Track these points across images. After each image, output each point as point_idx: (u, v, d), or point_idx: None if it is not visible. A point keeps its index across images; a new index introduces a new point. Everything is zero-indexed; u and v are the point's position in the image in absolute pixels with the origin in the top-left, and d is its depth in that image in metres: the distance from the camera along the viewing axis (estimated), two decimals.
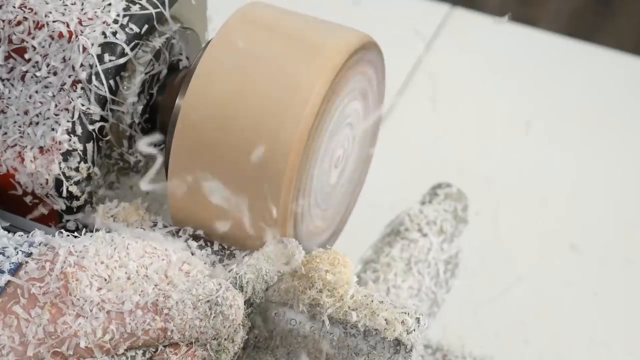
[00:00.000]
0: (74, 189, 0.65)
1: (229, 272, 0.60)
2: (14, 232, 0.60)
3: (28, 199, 0.66)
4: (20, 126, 0.65)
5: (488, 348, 0.98)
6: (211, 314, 0.57)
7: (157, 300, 0.57)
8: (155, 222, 0.65)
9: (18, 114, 0.65)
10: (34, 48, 0.65)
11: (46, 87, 0.65)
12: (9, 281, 0.57)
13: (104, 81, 0.64)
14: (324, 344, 0.61)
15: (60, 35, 0.64)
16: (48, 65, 0.64)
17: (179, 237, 0.64)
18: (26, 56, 0.65)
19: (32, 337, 0.56)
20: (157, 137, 0.69)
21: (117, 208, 0.65)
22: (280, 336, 0.62)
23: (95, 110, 0.64)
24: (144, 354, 0.58)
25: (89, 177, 0.65)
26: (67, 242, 0.58)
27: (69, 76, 0.64)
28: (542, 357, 1.00)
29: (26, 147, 0.65)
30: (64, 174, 0.64)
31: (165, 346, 0.58)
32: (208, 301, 0.57)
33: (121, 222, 0.65)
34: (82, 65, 0.64)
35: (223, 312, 0.57)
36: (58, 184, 0.65)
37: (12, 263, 0.58)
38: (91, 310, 0.56)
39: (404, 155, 1.18)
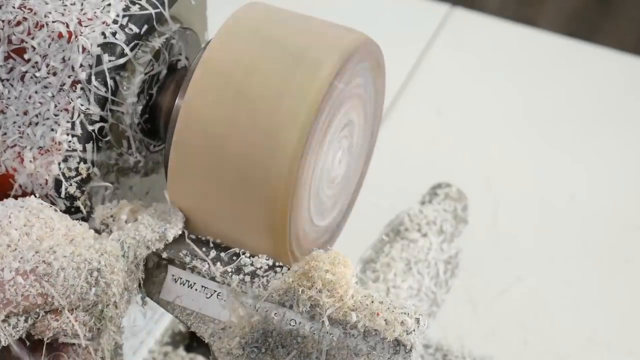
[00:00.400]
0: (74, 190, 0.65)
1: (111, 239, 0.62)
2: None
3: None
4: (19, 126, 0.65)
5: (488, 348, 0.98)
6: (92, 280, 0.59)
7: (38, 266, 0.58)
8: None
9: (17, 114, 0.65)
10: (34, 48, 0.65)
11: (46, 87, 0.65)
12: None
13: (104, 81, 0.64)
14: (324, 344, 0.61)
15: (60, 35, 0.64)
16: (48, 65, 0.64)
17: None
18: (26, 56, 0.65)
19: None
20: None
21: (115, 207, 0.65)
22: (279, 337, 0.62)
23: (95, 110, 0.64)
24: (25, 320, 0.58)
25: (88, 178, 0.65)
26: None
27: (69, 76, 0.64)
28: (542, 357, 1.00)
29: (26, 147, 0.65)
30: (63, 174, 0.64)
31: (47, 312, 0.58)
32: (89, 268, 0.58)
33: (117, 215, 0.65)
34: (81, 65, 0.64)
35: (104, 278, 0.59)
36: (57, 184, 0.65)
37: None
38: None
39: (404, 155, 1.18)
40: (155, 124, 0.68)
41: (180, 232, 0.64)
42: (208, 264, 0.63)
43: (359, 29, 0.66)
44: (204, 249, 0.64)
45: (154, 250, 0.63)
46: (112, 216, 0.65)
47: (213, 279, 0.63)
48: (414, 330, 0.59)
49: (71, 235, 0.61)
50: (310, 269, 0.60)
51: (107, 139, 0.66)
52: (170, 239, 0.64)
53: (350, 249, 0.80)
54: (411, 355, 0.59)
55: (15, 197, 0.66)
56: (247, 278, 0.62)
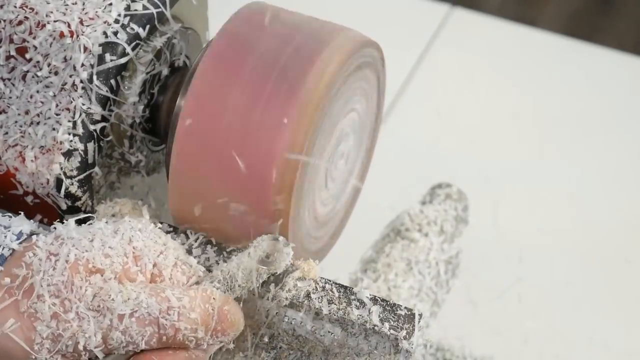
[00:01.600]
0: (75, 189, 0.65)
1: (220, 271, 0.60)
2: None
3: (29, 198, 0.66)
4: (21, 126, 0.65)
5: (488, 348, 0.98)
6: (214, 325, 0.57)
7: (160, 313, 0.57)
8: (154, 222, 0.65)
9: (19, 114, 0.65)
10: (35, 48, 0.65)
11: (47, 86, 0.65)
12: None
13: (105, 81, 0.64)
14: (325, 343, 0.61)
15: (62, 34, 0.64)
16: (49, 64, 0.64)
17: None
18: (27, 56, 0.65)
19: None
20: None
21: (116, 203, 0.65)
22: (281, 336, 0.62)
23: (96, 110, 0.64)
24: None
25: (89, 177, 0.65)
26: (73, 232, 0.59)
27: (70, 76, 0.64)
28: (542, 357, 1.00)
29: (27, 146, 0.65)
30: (64, 173, 0.64)
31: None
32: (213, 315, 0.58)
33: (118, 215, 0.65)
34: (83, 65, 0.64)
35: (228, 321, 0.58)
36: (59, 183, 0.65)
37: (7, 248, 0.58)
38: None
39: (404, 155, 1.18)
40: (157, 123, 0.68)
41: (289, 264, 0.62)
42: (207, 263, 0.63)
43: (360, 29, 0.66)
44: (204, 248, 0.64)
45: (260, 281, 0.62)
46: (113, 215, 0.65)
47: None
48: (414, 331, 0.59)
49: (184, 268, 0.61)
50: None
51: (108, 138, 0.66)
52: (280, 270, 0.62)
53: (350, 249, 0.80)
54: (412, 355, 0.59)
55: (17, 196, 0.66)
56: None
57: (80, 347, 0.56)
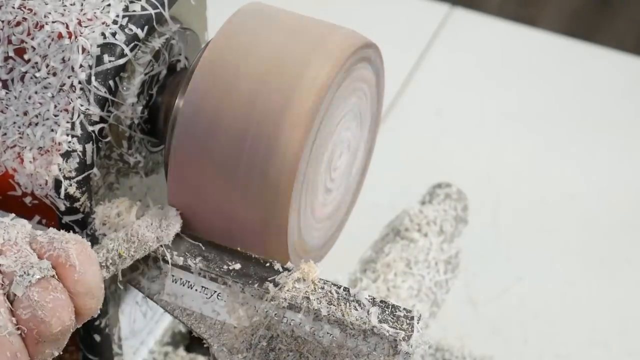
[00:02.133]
0: (73, 190, 0.65)
1: (109, 241, 0.62)
2: None
3: (27, 199, 0.66)
4: (19, 127, 0.65)
5: (488, 348, 0.98)
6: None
7: None
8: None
9: (17, 115, 0.65)
10: (34, 49, 0.65)
11: (45, 87, 0.65)
12: None
13: (104, 82, 0.64)
14: (324, 345, 0.61)
15: (60, 35, 0.64)
16: (47, 65, 0.64)
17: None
18: (25, 57, 0.65)
19: None
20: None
21: (114, 204, 0.65)
22: (280, 337, 0.62)
23: (95, 111, 0.64)
24: None
25: (88, 178, 0.65)
26: None
27: (69, 77, 0.64)
28: (542, 357, 1.00)
29: (25, 147, 0.65)
30: (63, 174, 0.64)
31: None
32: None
33: (116, 215, 0.65)
34: (81, 66, 0.64)
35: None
36: (57, 184, 0.64)
37: None
38: None
39: (404, 155, 1.18)
40: (155, 124, 0.68)
41: (176, 232, 0.64)
42: (209, 264, 0.63)
43: (359, 29, 0.66)
44: (204, 249, 0.64)
45: (152, 250, 0.63)
46: (110, 216, 0.65)
47: (213, 279, 0.63)
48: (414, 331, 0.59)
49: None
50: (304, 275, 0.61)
51: (107, 139, 0.66)
52: (167, 240, 0.63)
53: (350, 249, 0.80)
54: (412, 356, 0.59)
55: (15, 197, 0.66)
56: (248, 279, 0.62)
57: None
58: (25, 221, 0.60)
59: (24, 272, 0.56)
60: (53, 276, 0.57)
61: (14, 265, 0.57)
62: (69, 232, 0.65)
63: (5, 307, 0.56)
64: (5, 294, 0.56)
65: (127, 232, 0.63)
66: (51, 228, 0.60)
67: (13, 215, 0.61)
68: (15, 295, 0.56)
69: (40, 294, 0.56)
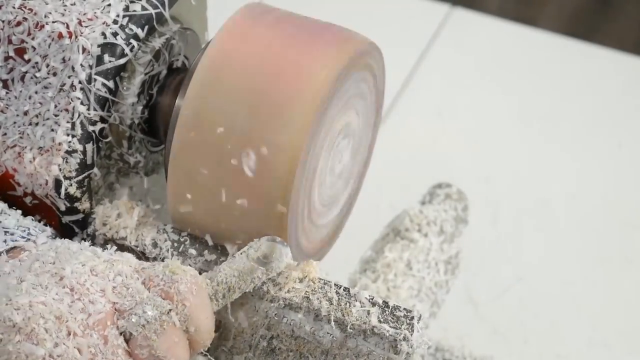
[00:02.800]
0: (74, 190, 0.65)
1: (220, 275, 0.60)
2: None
3: (28, 199, 0.66)
4: (20, 127, 0.65)
5: (488, 348, 0.98)
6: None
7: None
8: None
9: (18, 115, 0.65)
10: (34, 49, 0.65)
11: (46, 87, 0.64)
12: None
13: (104, 82, 0.64)
14: (324, 344, 0.61)
15: (60, 35, 0.64)
16: (48, 65, 0.64)
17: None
18: (26, 57, 0.65)
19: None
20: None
21: (115, 206, 0.65)
22: (280, 337, 0.62)
23: (95, 111, 0.64)
24: None
25: (88, 178, 0.65)
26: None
27: (69, 77, 0.64)
28: (542, 357, 1.00)
29: (26, 147, 0.65)
30: (63, 174, 0.64)
31: None
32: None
33: (116, 215, 0.65)
34: (81, 65, 0.64)
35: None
36: (57, 184, 0.64)
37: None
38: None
39: (404, 155, 1.18)
40: (155, 124, 0.68)
41: (286, 264, 0.62)
42: (209, 264, 0.63)
43: (359, 30, 0.66)
44: (204, 249, 0.64)
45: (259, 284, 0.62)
46: (111, 216, 0.65)
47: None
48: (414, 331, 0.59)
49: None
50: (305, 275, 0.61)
51: (107, 139, 0.66)
52: (275, 273, 0.62)
53: (350, 249, 0.80)
54: (412, 355, 0.59)
55: (16, 197, 0.66)
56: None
57: None
58: (129, 255, 0.60)
59: (140, 311, 0.56)
60: (168, 312, 0.57)
61: (128, 303, 0.57)
62: (69, 231, 0.65)
63: (122, 349, 0.56)
64: (122, 333, 0.56)
65: (236, 265, 0.61)
66: (159, 262, 0.60)
67: (114, 247, 0.61)
68: (131, 334, 0.56)
69: (156, 333, 0.56)
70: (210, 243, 0.64)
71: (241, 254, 0.61)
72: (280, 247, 0.60)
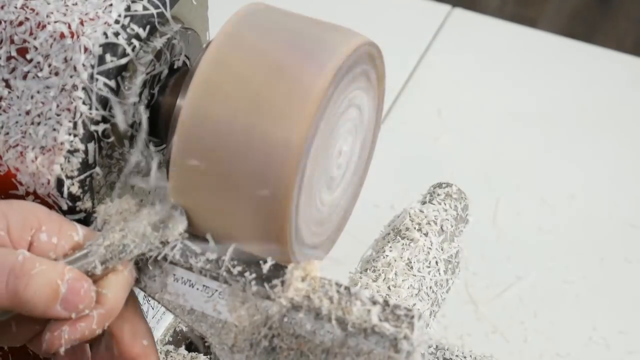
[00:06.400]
0: (76, 189, 0.65)
1: (106, 239, 0.62)
2: None
3: (30, 198, 0.66)
4: (21, 126, 0.65)
5: (488, 347, 0.98)
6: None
7: None
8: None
9: (20, 114, 0.65)
10: (36, 48, 0.65)
11: (48, 87, 0.65)
12: None
13: (106, 81, 0.64)
14: (325, 343, 0.61)
15: (62, 35, 0.64)
16: (50, 65, 0.65)
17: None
18: (28, 56, 0.65)
19: None
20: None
21: (117, 205, 0.66)
22: (280, 336, 0.62)
23: (97, 110, 0.64)
24: None
25: (90, 177, 0.65)
26: None
27: (71, 76, 0.64)
28: (542, 356, 1.00)
29: (28, 147, 0.65)
30: (65, 174, 0.64)
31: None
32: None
33: (118, 214, 0.65)
34: (83, 65, 0.64)
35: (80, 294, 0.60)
36: (59, 184, 0.65)
37: None
38: None
39: (405, 155, 1.18)
40: (157, 123, 0.68)
41: (181, 231, 0.64)
42: (210, 263, 0.64)
43: (360, 30, 0.66)
44: (205, 248, 0.64)
45: (154, 249, 0.63)
46: (112, 215, 0.65)
47: (214, 278, 0.63)
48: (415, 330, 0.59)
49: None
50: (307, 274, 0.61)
51: (109, 139, 0.66)
52: (171, 239, 0.64)
53: (350, 249, 0.81)
54: (413, 354, 0.59)
55: (18, 196, 0.66)
56: (250, 277, 0.63)
57: None
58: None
59: None
60: None
61: None
62: None
63: None
64: None
65: (129, 228, 0.63)
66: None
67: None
68: None
69: None
70: (212, 241, 0.64)
71: (137, 217, 0.63)
72: (178, 213, 0.63)
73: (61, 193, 0.65)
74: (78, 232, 0.63)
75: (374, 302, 0.60)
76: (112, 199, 0.67)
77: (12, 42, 0.65)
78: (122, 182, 0.69)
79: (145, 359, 0.64)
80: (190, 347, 0.88)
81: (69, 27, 0.65)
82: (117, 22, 0.65)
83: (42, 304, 0.60)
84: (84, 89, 0.64)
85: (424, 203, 0.82)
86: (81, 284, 0.61)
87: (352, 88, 0.66)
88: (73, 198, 0.65)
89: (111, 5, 0.66)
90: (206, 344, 0.65)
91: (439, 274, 0.79)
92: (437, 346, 0.95)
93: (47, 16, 0.65)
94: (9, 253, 0.60)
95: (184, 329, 0.87)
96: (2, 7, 0.65)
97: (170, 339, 0.86)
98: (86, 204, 0.66)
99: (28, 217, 0.62)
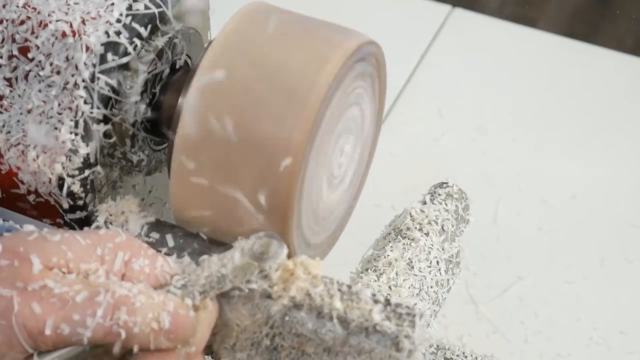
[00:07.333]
0: (77, 188, 0.65)
1: (206, 269, 0.60)
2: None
3: (31, 197, 0.66)
4: (23, 125, 0.65)
5: (488, 347, 0.98)
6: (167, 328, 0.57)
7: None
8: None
9: (21, 113, 0.65)
10: (38, 47, 0.65)
11: (49, 86, 0.65)
12: None
13: (107, 80, 0.64)
14: (327, 342, 0.61)
15: (64, 34, 0.65)
16: (51, 64, 0.65)
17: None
18: (29, 55, 0.65)
19: None
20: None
21: (118, 204, 0.66)
22: (282, 335, 0.62)
23: (98, 109, 0.65)
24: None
25: (91, 176, 0.65)
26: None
27: (72, 75, 0.64)
28: (542, 356, 1.00)
29: (29, 145, 0.65)
30: (67, 172, 0.65)
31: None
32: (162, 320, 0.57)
33: (120, 214, 0.65)
34: (85, 64, 0.64)
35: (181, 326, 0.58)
36: (61, 182, 0.65)
37: None
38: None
39: (405, 155, 1.18)
40: (158, 122, 0.68)
41: (280, 261, 0.61)
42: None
43: (360, 30, 0.66)
44: (206, 248, 0.64)
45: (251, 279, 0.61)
46: (114, 214, 0.65)
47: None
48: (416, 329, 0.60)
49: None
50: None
51: (110, 138, 0.66)
52: (270, 269, 0.61)
53: (351, 249, 0.81)
54: (414, 353, 0.59)
55: (19, 195, 0.66)
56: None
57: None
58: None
59: None
60: None
61: None
62: (72, 230, 0.66)
63: None
64: None
65: (227, 258, 0.60)
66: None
67: None
68: None
69: None
70: (205, 239, 0.64)
71: (236, 248, 0.60)
72: (277, 243, 0.60)
73: (62, 192, 0.65)
74: (168, 262, 0.61)
75: (376, 301, 0.60)
76: (114, 197, 0.67)
77: (13, 40, 0.65)
78: (123, 181, 0.69)
79: None
80: None
81: (71, 26, 0.65)
82: (118, 21, 0.65)
83: (147, 338, 0.57)
84: (85, 87, 0.64)
85: (424, 203, 0.82)
86: (187, 313, 0.58)
87: (353, 87, 0.66)
88: (74, 197, 0.65)
89: (113, 4, 0.66)
90: (207, 344, 0.65)
91: (440, 273, 0.79)
92: (437, 346, 0.95)
93: (49, 15, 0.65)
94: (108, 284, 0.57)
95: None
96: (4, 6, 0.66)
97: None
98: (87, 202, 0.66)
99: (120, 246, 0.59)
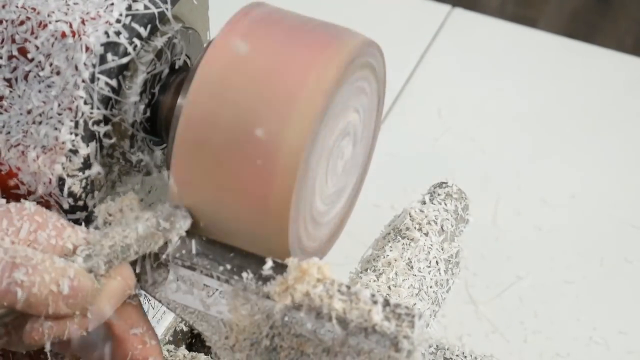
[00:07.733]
0: (77, 188, 0.65)
1: (109, 239, 0.62)
2: None
3: (31, 198, 0.66)
4: (23, 125, 0.65)
5: (488, 347, 0.99)
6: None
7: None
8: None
9: (21, 113, 0.65)
10: (37, 48, 0.65)
11: (49, 86, 0.65)
12: None
13: (107, 81, 0.64)
14: (326, 342, 0.61)
15: (63, 34, 0.65)
16: (51, 64, 0.65)
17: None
18: (29, 56, 0.65)
19: None
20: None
21: (117, 204, 0.66)
22: (281, 335, 0.62)
23: (98, 109, 0.65)
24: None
25: (91, 176, 0.66)
26: None
27: (72, 75, 0.64)
28: (542, 356, 1.00)
29: (29, 146, 0.65)
30: (67, 173, 0.65)
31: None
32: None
33: (118, 212, 0.65)
34: (85, 64, 0.64)
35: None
36: (61, 183, 0.65)
37: None
38: None
39: (405, 155, 1.18)
40: (157, 123, 0.68)
41: (184, 232, 0.64)
42: (211, 262, 0.64)
43: (360, 30, 0.66)
44: (206, 247, 0.64)
45: (156, 250, 0.63)
46: (113, 214, 0.65)
47: (215, 277, 0.63)
48: (415, 329, 0.60)
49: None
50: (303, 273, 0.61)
51: (110, 138, 0.66)
52: (174, 239, 0.64)
53: (350, 249, 0.81)
54: (413, 353, 0.59)
55: (19, 195, 0.66)
56: (250, 277, 0.63)
57: None
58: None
59: None
60: None
61: None
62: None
63: None
64: None
65: (131, 228, 0.63)
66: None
67: None
68: None
69: None
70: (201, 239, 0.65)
71: (141, 218, 0.63)
72: (180, 214, 0.63)
73: (62, 192, 0.65)
74: (77, 233, 0.63)
75: (375, 301, 0.60)
76: (113, 197, 0.67)
77: (13, 41, 0.65)
78: (122, 182, 0.70)
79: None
80: (191, 347, 0.88)
81: (70, 26, 0.65)
82: (118, 21, 0.65)
83: (46, 301, 0.59)
84: (85, 88, 0.64)
85: (424, 203, 0.82)
86: (87, 280, 0.60)
87: (352, 87, 0.66)
88: (74, 197, 0.65)
89: (112, 4, 0.66)
90: (207, 344, 0.65)
91: (439, 273, 0.79)
92: (437, 346, 0.95)
93: (49, 15, 0.65)
94: (9, 248, 0.59)
95: (185, 328, 0.87)
96: (4, 6, 0.66)
97: (171, 339, 0.86)
98: (87, 202, 0.66)
99: (27, 217, 0.61)
